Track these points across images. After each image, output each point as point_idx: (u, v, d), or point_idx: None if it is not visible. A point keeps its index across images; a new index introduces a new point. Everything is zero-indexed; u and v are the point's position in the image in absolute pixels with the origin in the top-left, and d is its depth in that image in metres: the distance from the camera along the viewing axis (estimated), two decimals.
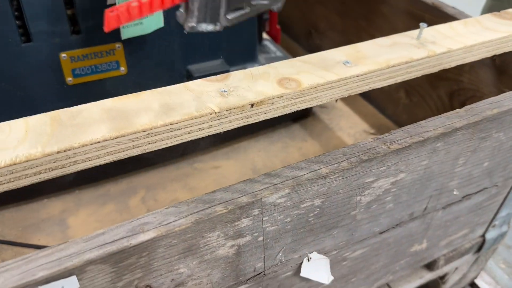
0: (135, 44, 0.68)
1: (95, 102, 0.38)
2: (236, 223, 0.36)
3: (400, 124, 0.85)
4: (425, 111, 0.80)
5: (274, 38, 0.91)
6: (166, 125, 0.36)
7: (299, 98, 0.40)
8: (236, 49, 0.81)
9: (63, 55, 0.64)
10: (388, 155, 0.42)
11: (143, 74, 0.72)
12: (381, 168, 0.42)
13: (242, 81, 0.41)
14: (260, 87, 0.40)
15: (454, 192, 0.54)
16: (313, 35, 1.03)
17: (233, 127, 0.39)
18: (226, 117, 0.38)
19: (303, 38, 1.06)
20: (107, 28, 0.34)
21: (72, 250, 0.31)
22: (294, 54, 0.98)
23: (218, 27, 0.37)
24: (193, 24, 0.36)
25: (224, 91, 0.39)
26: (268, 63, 0.90)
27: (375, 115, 0.87)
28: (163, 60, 0.73)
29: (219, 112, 0.37)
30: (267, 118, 0.40)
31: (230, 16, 0.37)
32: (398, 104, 0.84)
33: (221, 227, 0.36)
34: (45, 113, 0.37)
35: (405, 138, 0.43)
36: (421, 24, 0.48)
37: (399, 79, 0.46)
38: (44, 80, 0.65)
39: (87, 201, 0.67)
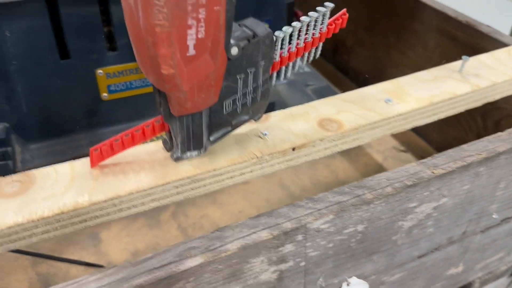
0: None
1: (137, 147, 0.37)
2: (280, 249, 0.36)
3: (430, 142, 0.84)
4: (457, 130, 0.79)
5: None
6: (209, 171, 0.36)
7: (340, 140, 0.40)
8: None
9: (99, 71, 0.65)
10: (432, 180, 0.41)
11: None
12: (425, 193, 0.42)
13: (282, 122, 0.41)
14: (300, 129, 0.39)
15: (494, 216, 0.53)
16: (339, 51, 1.03)
17: (274, 171, 0.39)
18: (267, 161, 0.38)
19: (329, 54, 1.06)
20: (92, 165, 0.35)
21: (122, 275, 0.31)
22: (320, 69, 0.98)
23: (203, 151, 0.37)
24: (178, 155, 0.37)
25: (265, 134, 0.39)
26: (295, 78, 0.90)
27: (405, 132, 0.86)
28: None
29: (261, 157, 0.37)
30: (307, 160, 0.40)
31: (213, 138, 0.37)
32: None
33: (265, 252, 0.35)
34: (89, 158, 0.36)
35: (448, 162, 0.43)
36: (463, 57, 0.48)
37: (442, 116, 0.45)
38: (80, 96, 0.66)
39: None
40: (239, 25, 0.35)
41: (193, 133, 0.35)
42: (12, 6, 0.57)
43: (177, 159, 0.37)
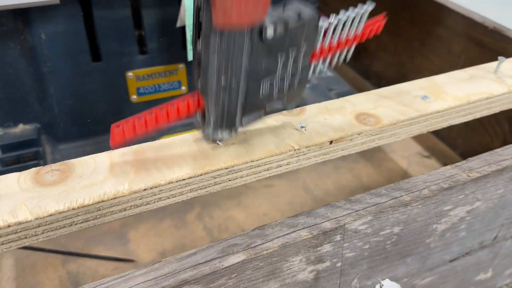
0: None
1: (175, 137, 0.38)
2: (318, 248, 0.36)
3: (454, 147, 0.84)
4: (482, 136, 0.78)
5: None
6: (247, 162, 0.36)
7: (378, 134, 0.40)
8: None
9: (129, 74, 0.66)
10: (467, 184, 0.41)
11: None
12: (460, 196, 0.42)
13: (318, 115, 0.41)
14: (337, 123, 0.40)
15: None
16: (361, 55, 1.03)
17: (310, 164, 0.39)
18: (304, 154, 0.38)
19: (351, 58, 1.06)
20: (112, 143, 0.33)
21: (167, 270, 0.31)
22: (342, 74, 0.98)
23: (233, 133, 0.37)
24: (209, 132, 0.36)
25: (302, 127, 0.39)
26: (319, 83, 0.91)
27: (429, 138, 0.86)
28: None
29: (298, 149, 0.37)
30: (344, 154, 0.40)
31: (245, 121, 0.37)
32: (453, 127, 0.83)
33: (304, 251, 0.36)
34: (128, 147, 0.37)
35: (483, 166, 0.43)
36: (499, 57, 0.48)
37: (478, 115, 0.45)
38: (110, 98, 0.67)
39: (146, 216, 0.69)
40: (284, 5, 0.35)
41: (228, 110, 0.35)
42: (48, 10, 0.59)
43: (207, 137, 0.36)
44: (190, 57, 0.63)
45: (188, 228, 0.68)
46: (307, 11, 0.34)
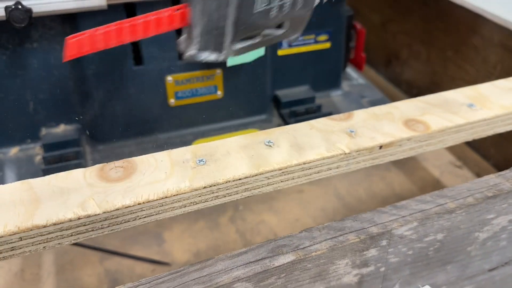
0: (233, 70, 0.71)
1: (228, 138, 0.40)
2: (365, 253, 0.37)
3: (487, 157, 0.83)
4: None
5: (358, 66, 0.92)
6: (299, 164, 0.37)
7: (426, 141, 0.40)
8: (321, 75, 0.83)
9: (169, 78, 0.68)
10: (511, 193, 0.41)
11: (236, 98, 0.75)
12: (503, 205, 0.42)
13: (367, 121, 0.42)
14: (386, 128, 0.40)
15: None
16: (393, 63, 1.03)
17: (359, 168, 0.40)
18: (354, 158, 0.39)
19: (382, 66, 1.06)
20: (67, 57, 0.31)
21: (220, 267, 0.33)
22: (374, 82, 0.98)
23: (222, 57, 0.33)
24: (194, 51, 0.32)
25: (352, 131, 0.40)
26: (351, 90, 0.91)
27: (461, 147, 0.85)
28: (255, 86, 0.76)
29: (349, 153, 0.38)
30: (392, 160, 0.41)
31: (237, 46, 0.33)
32: (486, 137, 0.82)
33: (351, 255, 0.36)
34: (185, 147, 0.39)
35: None
36: None
37: None
38: (150, 101, 0.69)
39: (180, 217, 0.70)
40: None
41: (216, 23, 0.30)
42: (95, 14, 0.61)
43: (190, 57, 0.32)
44: (229, 63, 0.64)
45: (221, 230, 0.69)
46: None
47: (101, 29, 0.31)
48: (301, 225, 0.72)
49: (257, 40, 0.34)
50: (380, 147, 0.38)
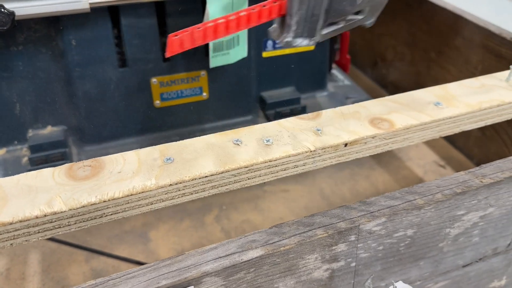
0: (218, 72, 0.72)
1: (197, 138, 0.41)
2: (334, 248, 0.38)
3: (471, 157, 0.84)
4: (498, 145, 0.79)
5: (343, 67, 0.93)
6: (265, 162, 0.38)
7: (392, 138, 0.41)
8: (307, 77, 0.84)
9: (153, 80, 0.69)
10: (480, 189, 0.42)
11: (221, 99, 0.76)
12: (473, 202, 0.43)
13: (334, 119, 0.43)
14: (352, 127, 0.42)
15: None
16: (378, 65, 1.04)
17: (325, 165, 0.41)
18: (320, 156, 0.40)
19: (368, 68, 1.08)
20: (169, 53, 0.34)
21: (190, 262, 0.33)
22: (360, 83, 0.99)
23: (312, 42, 0.37)
24: (289, 39, 0.36)
25: (318, 130, 0.41)
26: (336, 91, 0.92)
27: (445, 147, 0.86)
28: (240, 87, 0.77)
29: (314, 150, 0.39)
30: (358, 157, 0.42)
31: (325, 31, 0.37)
32: (470, 136, 0.83)
33: (319, 250, 0.37)
34: (153, 147, 0.40)
35: (496, 172, 0.44)
36: (511, 66, 0.49)
37: (489, 122, 0.46)
38: (135, 102, 0.70)
39: (166, 216, 0.71)
40: None
41: (312, 13, 0.34)
42: (78, 17, 0.62)
43: (287, 44, 0.36)
44: (212, 64, 0.66)
45: (206, 229, 0.70)
46: None
47: (200, 26, 0.33)
48: None
49: (340, 25, 0.37)
50: (345, 144, 0.39)
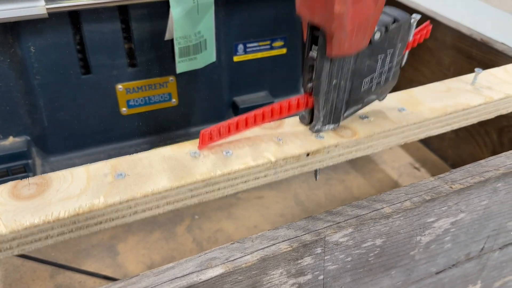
0: (187, 77, 0.70)
1: (154, 150, 0.38)
2: (299, 261, 0.36)
3: (445, 158, 0.84)
4: (472, 147, 0.79)
5: None
6: (224, 175, 0.36)
7: (355, 146, 0.40)
8: (279, 81, 0.82)
9: (119, 86, 0.67)
10: (450, 195, 0.41)
11: (192, 105, 0.74)
12: (443, 208, 0.42)
13: (296, 128, 0.41)
14: (314, 135, 0.40)
15: None
16: None
17: (288, 176, 0.39)
18: (282, 166, 0.38)
19: None
20: (200, 147, 0.38)
21: (144, 284, 0.31)
22: None
23: (337, 126, 0.41)
24: (319, 127, 0.40)
25: (279, 140, 0.39)
26: None
27: (420, 149, 0.86)
28: (211, 92, 0.75)
29: (275, 161, 0.37)
30: (322, 166, 0.41)
31: (347, 113, 0.41)
32: (444, 138, 0.83)
33: (284, 264, 0.36)
34: (105, 161, 0.37)
35: (466, 177, 0.43)
36: (476, 69, 0.48)
37: (456, 126, 0.45)
38: (100, 110, 0.68)
39: (135, 228, 0.69)
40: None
41: (335, 107, 0.40)
42: (37, 23, 0.59)
43: (317, 131, 0.41)
44: (178, 69, 0.64)
45: (177, 240, 0.68)
46: (401, 14, 0.39)
47: (227, 122, 0.38)
48: (259, 232, 0.71)
49: (359, 105, 0.42)
50: (307, 154, 0.38)
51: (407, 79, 0.88)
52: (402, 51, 0.41)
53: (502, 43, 0.70)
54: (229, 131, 0.38)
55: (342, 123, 0.42)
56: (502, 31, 0.89)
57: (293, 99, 0.39)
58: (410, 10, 0.83)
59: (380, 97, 0.43)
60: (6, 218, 0.30)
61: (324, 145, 0.38)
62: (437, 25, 0.79)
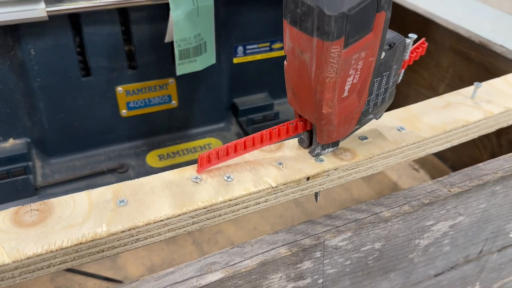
0: (186, 79, 0.70)
1: (155, 175, 0.38)
2: (299, 265, 0.36)
3: (444, 160, 0.84)
4: (471, 148, 0.79)
5: None
6: (225, 202, 0.36)
7: (354, 169, 0.40)
8: (279, 83, 0.83)
9: (119, 88, 0.67)
10: (449, 199, 0.42)
11: (192, 107, 0.75)
12: (441, 212, 0.42)
13: (296, 151, 0.41)
14: (314, 158, 0.40)
15: (510, 235, 0.53)
16: None
17: (288, 200, 0.39)
18: (282, 191, 0.38)
19: None
20: (199, 170, 0.38)
21: None
22: None
23: (336, 148, 0.41)
24: (319, 151, 0.40)
25: (280, 164, 0.39)
26: None
27: None
28: (211, 94, 0.75)
29: (276, 186, 0.37)
30: (322, 189, 0.41)
31: (345, 137, 0.41)
32: None
33: (284, 268, 0.36)
34: (107, 187, 0.37)
35: (464, 181, 0.43)
36: (475, 83, 0.48)
37: (456, 143, 0.46)
38: (100, 112, 0.68)
39: None
40: None
41: None
42: (37, 26, 0.60)
43: (317, 155, 0.41)
44: (179, 72, 0.64)
45: (177, 242, 0.68)
46: (396, 37, 0.38)
47: (226, 145, 0.38)
48: (259, 233, 0.71)
49: (357, 126, 0.41)
50: (308, 178, 0.38)
51: (407, 81, 0.88)
52: (398, 71, 0.40)
53: (501, 46, 0.71)
54: (227, 154, 0.38)
55: (341, 144, 0.42)
56: (501, 33, 0.89)
57: (291, 122, 0.39)
58: (409, 12, 0.83)
59: (376, 116, 0.43)
60: (9, 247, 0.30)
61: (324, 168, 0.39)
62: (436, 27, 0.79)
